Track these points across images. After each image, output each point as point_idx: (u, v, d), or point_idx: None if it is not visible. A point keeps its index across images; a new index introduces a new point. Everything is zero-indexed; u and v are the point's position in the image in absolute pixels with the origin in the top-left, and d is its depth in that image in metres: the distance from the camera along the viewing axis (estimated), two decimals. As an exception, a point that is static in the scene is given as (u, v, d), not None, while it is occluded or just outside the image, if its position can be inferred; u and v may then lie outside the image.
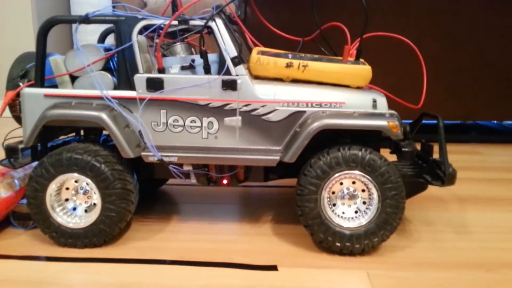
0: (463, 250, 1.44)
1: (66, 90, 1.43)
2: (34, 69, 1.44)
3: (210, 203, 1.84)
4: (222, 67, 1.38)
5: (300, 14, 2.72)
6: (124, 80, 1.41)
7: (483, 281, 1.25)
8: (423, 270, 1.31)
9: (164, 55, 1.52)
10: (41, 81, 1.44)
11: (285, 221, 1.65)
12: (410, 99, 1.61)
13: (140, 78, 1.39)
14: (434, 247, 1.45)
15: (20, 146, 1.45)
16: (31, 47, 3.83)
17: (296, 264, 1.34)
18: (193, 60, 1.45)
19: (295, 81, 1.44)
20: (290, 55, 1.44)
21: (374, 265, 1.33)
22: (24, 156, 1.47)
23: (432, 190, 1.78)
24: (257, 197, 1.93)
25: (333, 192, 1.39)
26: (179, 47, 1.55)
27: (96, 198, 1.40)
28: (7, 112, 1.49)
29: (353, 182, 1.38)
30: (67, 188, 1.43)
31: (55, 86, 1.48)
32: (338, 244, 1.37)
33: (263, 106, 1.39)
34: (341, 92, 1.41)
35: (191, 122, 1.41)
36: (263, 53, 1.43)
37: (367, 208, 1.38)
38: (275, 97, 1.39)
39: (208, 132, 1.42)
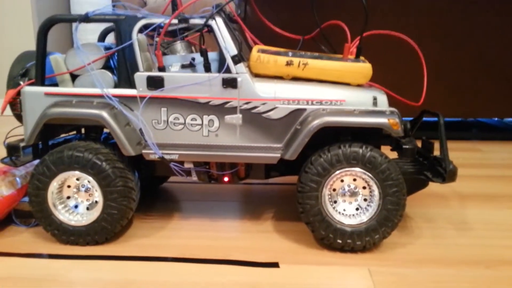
0: (463, 246, 1.44)
1: (67, 89, 1.44)
2: (35, 67, 1.44)
3: (211, 201, 1.85)
4: (222, 65, 1.39)
5: (300, 13, 2.72)
6: (125, 78, 1.41)
7: (483, 278, 1.25)
8: (424, 267, 1.31)
9: (164, 54, 1.53)
10: (41, 79, 1.44)
11: (286, 218, 1.65)
12: (410, 96, 1.62)
13: (140, 77, 1.40)
14: (434, 243, 1.46)
15: (21, 144, 1.45)
16: (32, 46, 3.84)
17: (297, 261, 1.35)
18: (193, 59, 1.45)
19: (295, 79, 1.44)
20: (290, 53, 1.44)
21: (375, 261, 1.34)
22: (25, 154, 1.48)
23: (433, 187, 1.78)
24: (258, 195, 1.93)
25: (334, 189, 1.39)
26: (179, 45, 1.55)
27: (97, 195, 1.40)
28: (8, 111, 1.49)
29: (354, 179, 1.38)
30: (69, 186, 1.44)
31: (55, 84, 1.49)
32: (339, 241, 1.37)
33: (263, 104, 1.39)
34: (341, 90, 1.41)
35: (191, 120, 1.42)
36: (263, 51, 1.43)
37: (368, 205, 1.39)
38: (275, 95, 1.39)
39: (208, 130, 1.42)
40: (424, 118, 1.63)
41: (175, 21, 1.39)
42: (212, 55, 1.45)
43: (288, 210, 1.74)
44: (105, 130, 1.55)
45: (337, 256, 1.38)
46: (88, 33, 3.50)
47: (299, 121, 1.40)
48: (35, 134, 1.42)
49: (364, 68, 1.42)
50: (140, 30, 1.41)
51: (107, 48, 1.49)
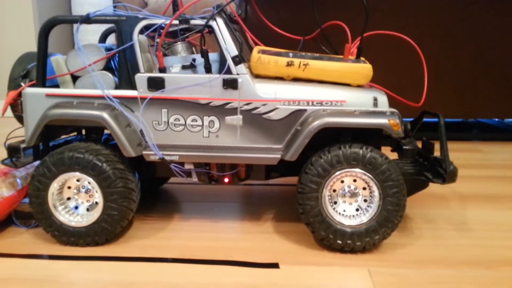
0: (464, 247, 1.44)
1: (68, 90, 1.44)
2: (36, 69, 1.45)
3: (212, 202, 1.85)
4: (223, 66, 1.39)
5: (301, 13, 2.72)
6: (125, 79, 1.41)
7: (484, 279, 1.25)
8: (424, 268, 1.31)
9: (165, 55, 1.53)
10: (42, 81, 1.44)
11: (286, 219, 1.66)
12: (411, 97, 1.62)
13: (141, 78, 1.40)
14: (435, 244, 1.46)
15: (22, 145, 1.46)
16: (32, 47, 3.85)
17: (297, 261, 1.35)
18: (194, 59, 1.45)
19: (296, 79, 1.44)
20: (290, 54, 1.45)
21: (375, 262, 1.34)
22: (26, 155, 1.48)
23: (433, 187, 1.78)
24: (258, 196, 1.93)
25: (334, 190, 1.39)
26: (180, 46, 1.55)
27: (98, 196, 1.41)
28: (9, 112, 1.49)
29: (354, 180, 1.39)
30: (69, 187, 1.44)
31: (56, 86, 1.49)
32: (339, 242, 1.37)
33: (264, 104, 1.39)
34: (342, 91, 1.41)
35: (192, 121, 1.42)
36: (263, 52, 1.43)
37: (368, 206, 1.39)
38: (276, 95, 1.39)
39: (209, 131, 1.42)
40: (425, 119, 1.63)
41: (176, 22, 1.39)
42: (213, 56, 1.45)
43: (288, 211, 1.74)
44: (106, 131, 1.55)
45: (337, 256, 1.38)
46: (89, 34, 3.51)
47: (300, 122, 1.40)
48: (35, 135, 1.42)
49: (365, 69, 1.42)
50: (141, 31, 1.41)
51: (108, 49, 1.49)
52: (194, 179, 1.53)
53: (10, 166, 1.47)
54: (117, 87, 1.44)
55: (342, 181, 1.39)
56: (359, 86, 1.45)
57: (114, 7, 1.51)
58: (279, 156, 1.40)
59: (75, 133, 1.75)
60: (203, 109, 1.41)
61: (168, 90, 1.40)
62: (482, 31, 2.83)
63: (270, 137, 1.42)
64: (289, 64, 1.41)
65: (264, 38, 1.66)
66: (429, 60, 1.71)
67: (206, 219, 1.66)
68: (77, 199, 1.45)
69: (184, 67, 1.45)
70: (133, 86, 1.41)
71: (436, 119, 1.51)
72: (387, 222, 1.36)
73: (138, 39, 1.40)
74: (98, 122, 1.38)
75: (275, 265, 1.33)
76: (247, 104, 1.40)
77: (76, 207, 1.45)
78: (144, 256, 1.38)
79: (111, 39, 1.82)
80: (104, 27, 1.72)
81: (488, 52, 2.86)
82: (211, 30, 1.40)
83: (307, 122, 1.37)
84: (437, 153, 1.50)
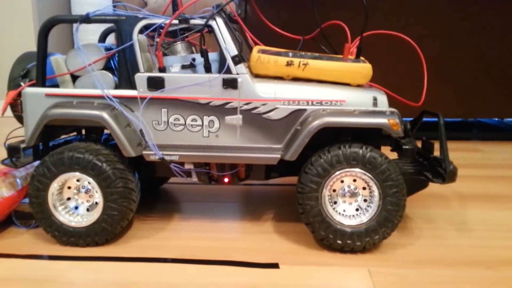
0: (463, 247, 1.44)
1: (67, 90, 1.44)
2: (35, 68, 1.45)
3: (212, 202, 1.85)
4: (222, 65, 1.39)
5: (301, 13, 2.72)
6: (125, 79, 1.41)
7: (483, 279, 1.25)
8: (424, 267, 1.31)
9: (164, 54, 1.53)
10: (42, 80, 1.44)
11: (286, 219, 1.66)
12: (410, 97, 1.62)
13: (141, 77, 1.40)
14: (435, 244, 1.46)
15: (22, 145, 1.46)
16: (32, 47, 3.85)
17: (297, 261, 1.35)
18: (193, 59, 1.45)
19: (295, 79, 1.44)
20: (290, 54, 1.45)
21: (375, 262, 1.34)
22: (25, 155, 1.48)
23: (433, 187, 1.78)
24: (258, 195, 1.93)
25: (334, 190, 1.39)
26: (179, 46, 1.55)
27: (98, 197, 1.41)
28: (9, 112, 1.49)
29: (354, 180, 1.39)
30: (69, 187, 1.44)
31: (56, 85, 1.49)
32: (339, 242, 1.37)
33: (263, 104, 1.39)
34: (341, 90, 1.41)
35: (192, 120, 1.42)
36: (263, 51, 1.43)
37: (368, 206, 1.39)
38: (275, 95, 1.39)
39: (209, 131, 1.42)
40: (424, 119, 1.63)
41: (175, 21, 1.39)
42: (213, 56, 1.45)
43: (288, 211, 1.74)
44: (106, 131, 1.55)
45: (337, 256, 1.38)
46: (89, 33, 3.51)
47: (299, 121, 1.40)
48: (35, 135, 1.42)
49: (364, 69, 1.42)
50: (141, 31, 1.41)
51: (107, 49, 1.49)
52: (194, 179, 1.53)
53: (10, 166, 1.47)
54: (117, 86, 1.44)
55: (342, 181, 1.39)
56: (358, 85, 1.45)
57: (114, 6, 1.51)
58: (279, 156, 1.40)
59: (75, 133, 1.75)
60: (203, 108, 1.41)
61: (168, 90, 1.40)
62: (482, 31, 2.83)
63: (270, 137, 1.42)
64: (289, 64, 1.41)
65: (264, 38, 1.66)
66: (429, 60, 1.71)
67: (206, 219, 1.66)
68: (77, 199, 1.45)
69: (183, 67, 1.45)
70: (133, 86, 1.41)
71: (436, 119, 1.51)
72: (387, 222, 1.36)
73: (137, 38, 1.40)
74: (98, 122, 1.38)
75: (275, 265, 1.33)
76: (247, 103, 1.39)
77: (76, 207, 1.45)
78: (144, 256, 1.38)
79: (111, 39, 1.82)
80: (103, 26, 1.72)
81: (488, 52, 2.86)
82: (211, 30, 1.40)
83: (307, 121, 1.37)
84: (436, 153, 1.50)
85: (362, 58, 1.49)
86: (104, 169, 1.37)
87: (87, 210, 1.44)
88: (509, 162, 2.48)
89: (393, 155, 1.51)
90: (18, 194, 1.55)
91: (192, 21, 1.40)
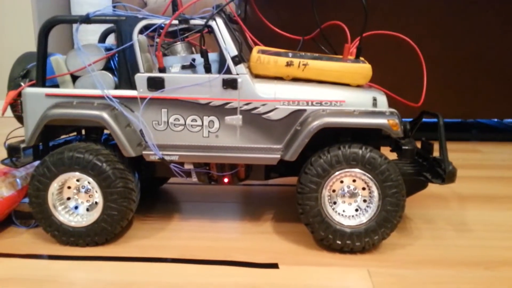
0: (463, 248, 1.44)
1: (68, 90, 1.44)
2: (36, 69, 1.45)
3: (211, 202, 1.85)
4: (222, 66, 1.39)
5: (300, 13, 2.72)
6: (125, 79, 1.42)
7: (483, 279, 1.26)
8: (423, 268, 1.31)
9: (164, 55, 1.53)
10: (42, 80, 1.44)
11: (286, 219, 1.66)
12: (410, 97, 1.62)
13: (141, 78, 1.40)
14: (434, 245, 1.46)
15: (22, 145, 1.46)
16: (32, 47, 3.85)
17: (297, 262, 1.35)
18: (193, 59, 1.45)
19: (295, 79, 1.44)
20: (290, 54, 1.45)
21: (374, 262, 1.34)
22: (25, 155, 1.48)
23: (432, 188, 1.78)
24: (258, 196, 1.94)
25: (334, 190, 1.40)
26: (179, 46, 1.55)
27: (97, 196, 1.41)
28: (9, 112, 1.49)
29: (354, 180, 1.39)
30: (69, 187, 1.44)
31: (56, 85, 1.49)
32: (339, 242, 1.37)
33: (263, 104, 1.40)
34: (341, 91, 1.41)
35: (192, 121, 1.42)
36: (263, 52, 1.43)
37: (367, 206, 1.39)
38: (275, 95, 1.39)
39: (209, 131, 1.42)
40: (424, 119, 1.63)
41: (175, 21, 1.39)
42: (213, 56, 1.45)
43: (287, 211, 1.74)
44: (106, 131, 1.56)
45: (337, 257, 1.38)
46: (89, 34, 3.51)
47: (299, 122, 1.40)
48: (35, 135, 1.42)
49: (364, 69, 1.42)
50: (141, 31, 1.41)
51: (107, 49, 1.49)
52: (194, 179, 1.53)
53: (10, 166, 1.47)
54: (117, 87, 1.44)
55: (342, 181, 1.39)
56: (358, 86, 1.45)
57: (114, 7, 1.51)
58: (278, 156, 1.41)
59: (75, 133, 1.75)
60: (202, 109, 1.41)
61: (168, 90, 1.40)
62: (482, 31, 2.83)
63: (270, 137, 1.42)
64: (289, 64, 1.41)
65: (264, 38, 1.67)
66: (429, 61, 1.71)
67: (206, 219, 1.66)
68: (77, 199, 1.45)
69: (183, 67, 1.45)
70: (132, 86, 1.41)
71: (435, 120, 1.51)
72: (387, 222, 1.36)
73: (137, 39, 1.40)
74: (98, 122, 1.38)
75: (274, 265, 1.33)
76: (247, 104, 1.40)
77: (76, 207, 1.45)
78: (144, 256, 1.38)
79: (111, 39, 1.82)
80: (103, 27, 1.72)
81: (488, 52, 2.86)
82: (211, 30, 1.41)
83: (307, 122, 1.37)
84: (436, 154, 1.50)
85: (361, 58, 1.49)
86: (104, 169, 1.38)
87: (87, 210, 1.44)
88: (509, 163, 2.48)
89: (393, 156, 1.51)
90: (18, 194, 1.55)
91: (192, 22, 1.40)
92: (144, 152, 1.42)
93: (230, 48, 1.39)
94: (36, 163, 1.48)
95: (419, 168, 1.55)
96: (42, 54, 1.42)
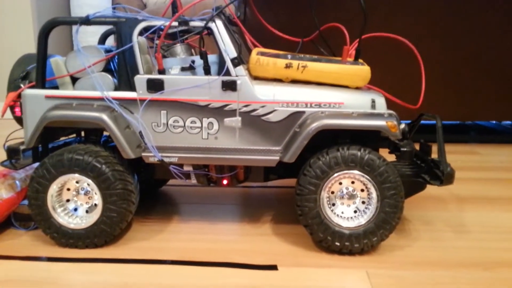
0: (461, 249, 1.44)
1: (67, 91, 1.44)
2: (35, 70, 1.45)
3: (211, 204, 1.85)
4: (222, 68, 1.39)
5: (299, 15, 2.73)
6: (125, 81, 1.42)
7: (481, 280, 1.26)
8: (422, 269, 1.32)
9: (164, 56, 1.53)
10: (42, 82, 1.45)
11: (285, 221, 1.66)
12: (409, 99, 1.62)
13: (140, 79, 1.40)
14: (432, 246, 1.46)
15: (21, 147, 1.46)
16: (32, 48, 3.85)
17: (296, 263, 1.35)
18: (193, 61, 1.46)
19: (294, 81, 1.45)
20: (289, 56, 1.45)
21: (373, 264, 1.34)
22: (25, 157, 1.48)
23: (431, 189, 1.79)
24: (257, 197, 1.94)
25: (332, 192, 1.40)
26: (179, 48, 1.56)
27: (97, 198, 1.41)
28: (8, 114, 1.49)
29: (352, 182, 1.39)
30: (68, 189, 1.44)
31: (56, 87, 1.49)
32: (338, 244, 1.37)
33: (262, 106, 1.40)
34: (340, 93, 1.42)
35: (191, 122, 1.42)
36: (262, 54, 1.44)
37: (366, 208, 1.39)
38: (274, 97, 1.40)
39: (208, 133, 1.43)
40: (423, 121, 1.63)
41: (175, 23, 1.40)
42: (212, 58, 1.45)
43: (286, 213, 1.75)
44: (105, 133, 1.56)
45: (335, 258, 1.38)
46: (89, 35, 3.51)
47: (298, 123, 1.40)
48: (35, 137, 1.42)
49: (363, 71, 1.43)
50: (141, 33, 1.41)
51: (107, 51, 1.49)
52: (193, 181, 1.53)
53: (9, 168, 1.47)
54: (117, 88, 1.44)
55: (340, 183, 1.39)
56: (357, 88, 1.46)
57: (113, 8, 1.51)
58: (277, 158, 1.41)
59: (74, 135, 1.75)
60: (202, 110, 1.41)
61: (167, 92, 1.40)
62: (481, 31, 2.83)
63: (269, 139, 1.42)
64: (288, 66, 1.42)
65: (263, 40, 1.67)
66: (428, 62, 1.72)
67: (205, 221, 1.66)
68: (76, 201, 1.45)
69: (183, 69, 1.46)
70: (132, 88, 1.41)
71: (434, 121, 1.51)
72: (385, 224, 1.36)
73: (137, 40, 1.40)
74: (97, 123, 1.38)
75: (273, 267, 1.33)
76: (246, 106, 1.40)
77: (75, 209, 1.45)
78: (143, 258, 1.38)
79: (110, 41, 1.82)
80: (103, 28, 1.73)
81: (487, 53, 2.86)
82: (210, 32, 1.41)
83: (306, 124, 1.37)
84: (434, 155, 1.51)
85: (360, 60, 1.50)
86: (103, 170, 1.38)
87: (86, 211, 1.45)
88: (507, 165, 2.48)
89: (391, 157, 1.52)
90: (17, 195, 1.55)
91: (192, 23, 1.41)
92: (143, 154, 1.43)
93: (229, 50, 1.39)
94: (36, 165, 1.48)
95: (418, 170, 1.55)
96: (42, 55, 1.42)
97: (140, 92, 1.41)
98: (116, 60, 1.44)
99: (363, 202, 1.40)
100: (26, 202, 1.49)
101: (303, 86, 1.42)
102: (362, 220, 1.38)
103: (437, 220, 1.68)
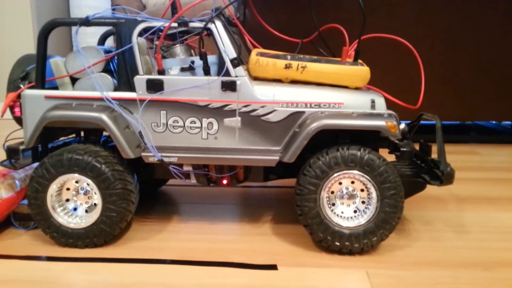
0: (461, 249, 1.44)
1: (67, 92, 1.45)
2: (35, 71, 1.45)
3: (210, 203, 1.85)
4: (221, 68, 1.39)
5: (299, 16, 2.73)
6: (124, 81, 1.42)
7: (481, 280, 1.26)
8: (422, 269, 1.32)
9: (164, 57, 1.53)
10: (41, 82, 1.45)
11: (285, 221, 1.66)
12: (409, 99, 1.62)
13: (140, 80, 1.41)
14: (432, 246, 1.46)
15: (21, 147, 1.46)
16: (31, 49, 3.85)
17: (295, 263, 1.35)
18: (192, 62, 1.46)
19: (294, 82, 1.45)
20: (289, 56, 1.45)
21: (373, 264, 1.34)
22: (24, 157, 1.48)
23: (431, 189, 1.79)
24: (256, 197, 1.94)
25: (332, 192, 1.40)
26: (178, 49, 1.56)
27: (96, 198, 1.41)
28: (8, 114, 1.50)
29: (352, 182, 1.39)
30: (68, 189, 1.44)
31: (55, 87, 1.49)
32: (337, 243, 1.38)
33: (262, 106, 1.40)
34: (339, 93, 1.42)
35: (191, 122, 1.42)
36: (262, 54, 1.44)
37: (366, 208, 1.39)
38: (274, 98, 1.40)
39: (208, 133, 1.43)
40: (422, 121, 1.63)
41: (174, 24, 1.40)
42: (212, 58, 1.45)
43: (286, 212, 1.75)
44: (105, 133, 1.56)
45: (335, 258, 1.38)
46: (88, 36, 3.51)
47: (298, 124, 1.40)
48: (35, 137, 1.42)
49: (362, 71, 1.43)
50: (140, 34, 1.42)
51: (107, 51, 1.49)
52: (193, 181, 1.53)
53: (9, 168, 1.47)
54: (116, 89, 1.44)
55: (340, 183, 1.39)
56: (356, 88, 1.46)
57: (113, 9, 1.51)
58: (277, 158, 1.41)
59: (73, 135, 1.75)
60: (201, 111, 1.41)
61: (167, 92, 1.40)
62: (481, 31, 2.83)
63: (269, 139, 1.42)
64: (287, 67, 1.42)
65: (263, 41, 1.67)
66: (428, 62, 1.72)
67: (205, 221, 1.66)
68: (76, 200, 1.45)
69: (182, 69, 1.46)
70: (132, 88, 1.42)
71: (433, 122, 1.51)
72: (385, 223, 1.36)
73: (137, 41, 1.40)
74: (97, 124, 1.38)
75: (273, 267, 1.33)
76: (246, 106, 1.40)
77: (75, 209, 1.45)
78: (143, 258, 1.38)
79: (110, 42, 1.82)
80: (103, 29, 1.73)
81: (487, 53, 2.86)
82: (210, 33, 1.41)
83: (305, 124, 1.37)
84: (434, 155, 1.51)
85: (360, 61, 1.50)
86: (103, 170, 1.38)
87: (86, 211, 1.45)
88: (507, 165, 2.48)
89: (391, 157, 1.52)
90: (17, 195, 1.55)
91: (191, 24, 1.41)
92: (143, 154, 1.43)
93: (229, 51, 1.39)
94: (35, 165, 1.49)
95: (417, 170, 1.55)
96: (42, 56, 1.43)
97: (140, 92, 1.41)
98: (116, 61, 1.44)
99: (363, 202, 1.40)
100: (25, 201, 1.49)
101: (303, 87, 1.43)
102: (362, 220, 1.38)
103: (437, 220, 1.68)
